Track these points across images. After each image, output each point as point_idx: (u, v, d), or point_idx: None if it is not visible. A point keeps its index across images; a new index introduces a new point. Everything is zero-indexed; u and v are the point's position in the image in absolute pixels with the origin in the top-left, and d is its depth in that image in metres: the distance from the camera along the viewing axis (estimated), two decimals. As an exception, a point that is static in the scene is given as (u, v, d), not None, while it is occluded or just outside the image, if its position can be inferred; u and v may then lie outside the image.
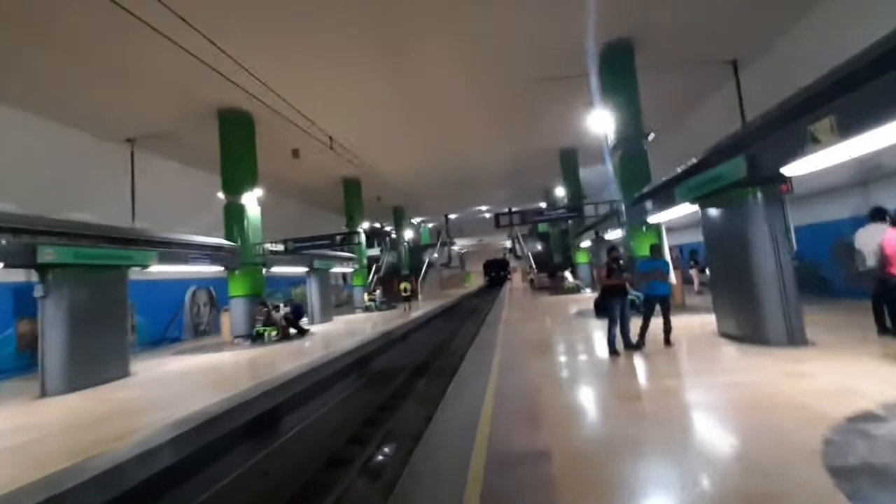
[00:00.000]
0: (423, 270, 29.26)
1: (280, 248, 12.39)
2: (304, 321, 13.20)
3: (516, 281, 45.69)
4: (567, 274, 19.05)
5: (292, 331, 12.17)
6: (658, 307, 6.52)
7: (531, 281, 27.59)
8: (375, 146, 18.09)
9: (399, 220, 31.20)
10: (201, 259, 10.08)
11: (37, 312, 7.00)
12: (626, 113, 10.25)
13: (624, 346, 6.45)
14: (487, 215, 39.78)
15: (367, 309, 20.21)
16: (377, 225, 36.42)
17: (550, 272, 25.24)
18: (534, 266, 27.19)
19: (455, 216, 38.14)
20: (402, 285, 21.36)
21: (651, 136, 10.41)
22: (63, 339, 6.88)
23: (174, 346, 14.67)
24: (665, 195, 8.28)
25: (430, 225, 40.93)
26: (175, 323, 17.71)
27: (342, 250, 20.01)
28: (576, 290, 18.89)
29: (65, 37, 8.18)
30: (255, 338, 11.27)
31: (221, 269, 11.35)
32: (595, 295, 7.67)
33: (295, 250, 12.04)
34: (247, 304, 11.74)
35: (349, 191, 21.41)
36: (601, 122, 10.78)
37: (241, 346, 11.19)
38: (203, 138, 12.34)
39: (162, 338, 17.03)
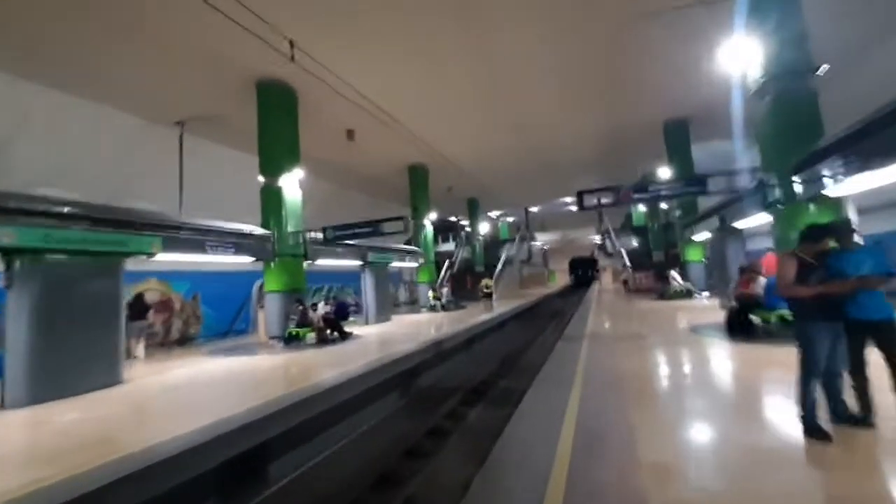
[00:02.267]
0: (499, 267, 26.66)
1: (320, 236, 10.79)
2: (350, 321, 11.52)
3: (605, 281, 41.00)
4: (674, 274, 15.24)
5: (333, 333, 10.54)
6: (870, 342, 3.22)
7: (625, 282, 23.63)
8: (444, 128, 16.03)
9: (474, 213, 28.94)
10: (224, 248, 8.72)
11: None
12: (783, 36, 6.82)
13: (834, 416, 3.28)
14: (573, 208, 35.90)
15: (432, 308, 18.27)
16: (453, 218, 34.63)
17: (651, 272, 21.15)
18: (628, 264, 23.20)
19: (536, 209, 34.88)
20: (484, 282, 20.26)
21: (823, 69, 6.84)
22: (27, 340, 5.67)
23: (232, 340, 14.05)
24: (872, 145, 4.91)
25: (510, 219, 38.05)
26: (242, 316, 17.38)
27: (408, 243, 18.38)
28: (684, 295, 15.04)
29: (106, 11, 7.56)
30: (289, 340, 9.76)
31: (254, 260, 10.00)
32: (719, 304, 4.64)
33: (334, 239, 10.36)
34: (283, 300, 10.31)
35: (415, 179, 19.64)
36: (738, 57, 7.40)
37: (273, 348, 9.76)
38: (251, 119, 11.23)
39: (228, 330, 16.75)
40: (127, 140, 12.02)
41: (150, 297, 14.78)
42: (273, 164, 10.60)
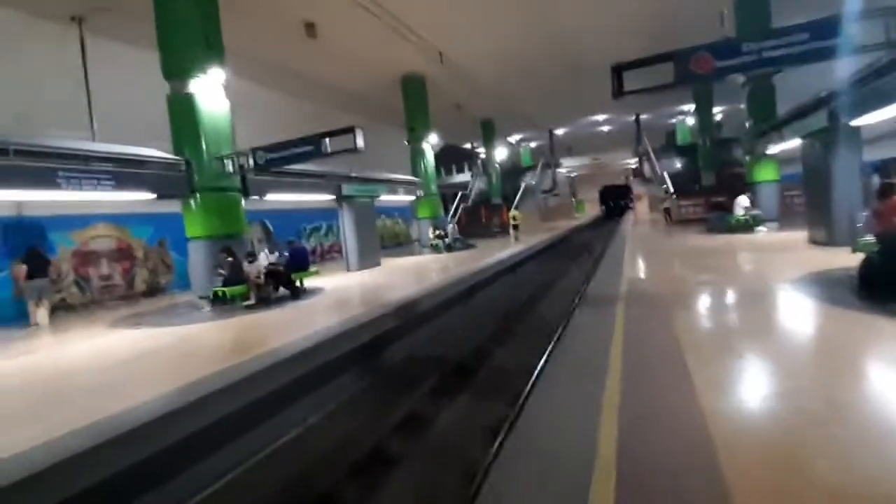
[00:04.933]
0: (517, 199, 23.38)
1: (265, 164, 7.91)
2: (311, 272, 9.02)
3: (641, 211, 36.91)
4: (743, 200, 11.61)
5: (280, 289, 8.10)
6: None
7: (666, 211, 20.02)
8: (447, 22, 12.29)
9: (489, 137, 25.18)
10: (94, 181, 6.07)
11: None
12: None
13: None
14: (605, 128, 31.21)
15: (434, 249, 15.62)
16: (468, 146, 30.81)
17: (702, 199, 17.42)
18: (671, 190, 19.46)
19: (562, 132, 30.49)
20: (512, 213, 19.57)
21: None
22: None
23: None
24: None
25: (533, 144, 33.81)
26: None
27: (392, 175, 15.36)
28: (744, 227, 11.63)
29: None
30: (215, 301, 7.38)
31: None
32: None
33: (267, 164, 7.51)
34: (210, 249, 7.79)
35: (411, 93, 16.13)
36: None
37: (194, 314, 7.43)
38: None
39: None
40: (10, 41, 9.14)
41: (102, 245, 12.61)
42: (178, 59, 7.58)
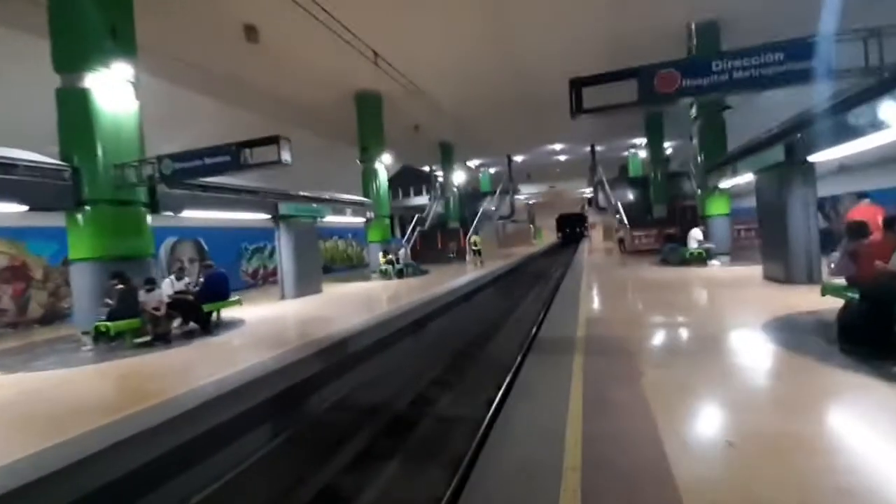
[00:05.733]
0: (474, 224, 22.86)
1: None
2: (233, 301, 7.79)
3: (596, 240, 37.62)
4: (696, 233, 11.53)
5: (188, 323, 6.84)
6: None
7: (620, 241, 20.10)
8: (404, 40, 11.74)
9: (447, 160, 24.73)
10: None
11: None
12: None
13: None
14: (562, 157, 31.71)
15: (383, 275, 14.61)
16: (426, 168, 30.30)
17: (655, 231, 17.53)
18: (625, 221, 19.58)
19: (521, 158, 30.65)
20: (473, 238, 19.77)
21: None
22: None
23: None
24: None
25: (492, 170, 33.84)
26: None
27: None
28: (700, 258, 11.53)
29: None
30: (98, 338, 6.03)
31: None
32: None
33: (174, 175, 6.34)
34: (99, 274, 6.45)
35: (365, 110, 15.34)
36: None
37: (77, 351, 6.04)
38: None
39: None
40: None
41: (-14, 263, 10.72)
42: (73, 47, 6.40)
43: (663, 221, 18.50)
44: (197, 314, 6.92)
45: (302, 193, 10.92)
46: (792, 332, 4.56)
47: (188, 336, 6.70)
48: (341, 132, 16.35)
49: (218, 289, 7.64)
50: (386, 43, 11.76)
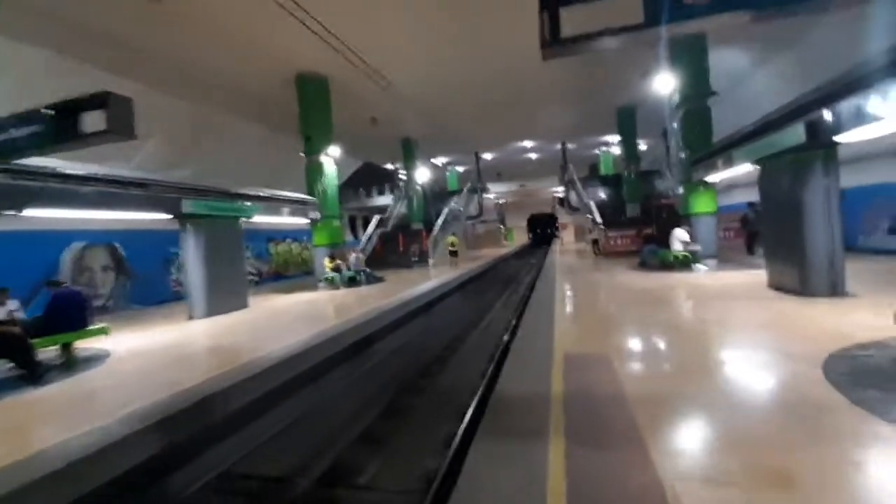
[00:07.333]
0: (438, 224, 21.13)
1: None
2: (94, 328, 5.76)
3: (567, 240, 36.63)
4: (681, 234, 10.10)
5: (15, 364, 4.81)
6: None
7: (594, 242, 18.82)
8: (351, 14, 9.89)
9: (409, 157, 22.91)
10: None
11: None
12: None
13: None
14: (533, 155, 30.42)
15: (329, 283, 12.66)
16: (389, 166, 28.35)
17: (632, 232, 16.26)
18: (599, 221, 18.31)
19: (490, 156, 29.15)
20: (449, 239, 20.26)
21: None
22: None
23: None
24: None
25: (461, 168, 32.24)
26: (37, 303, 11.04)
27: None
28: (685, 262, 10.19)
29: None
30: None
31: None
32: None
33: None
34: None
35: (307, 95, 13.34)
36: None
37: None
38: None
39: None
40: None
41: None
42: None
43: (638, 221, 17.32)
44: (23, 354, 4.88)
45: (213, 188, 8.89)
46: (873, 383, 3.02)
47: (2, 385, 4.67)
48: (292, 124, 14.25)
49: (69, 314, 5.60)
50: (331, 17, 9.91)
